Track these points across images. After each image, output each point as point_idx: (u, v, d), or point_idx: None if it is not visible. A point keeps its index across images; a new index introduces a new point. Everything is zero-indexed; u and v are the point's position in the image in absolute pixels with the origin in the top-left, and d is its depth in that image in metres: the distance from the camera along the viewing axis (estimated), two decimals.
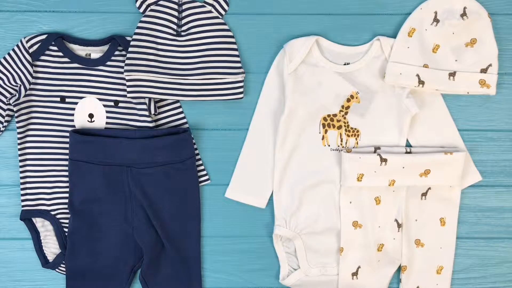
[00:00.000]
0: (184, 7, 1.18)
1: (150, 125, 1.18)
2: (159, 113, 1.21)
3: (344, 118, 1.20)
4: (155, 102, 1.19)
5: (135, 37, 1.16)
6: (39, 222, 1.20)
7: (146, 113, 1.18)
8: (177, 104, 1.21)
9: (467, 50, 1.18)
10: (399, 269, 1.22)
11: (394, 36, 1.20)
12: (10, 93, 1.17)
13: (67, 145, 1.17)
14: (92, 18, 1.20)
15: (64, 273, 1.19)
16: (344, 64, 1.21)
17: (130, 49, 1.16)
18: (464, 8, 1.17)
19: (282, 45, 1.20)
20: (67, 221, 1.19)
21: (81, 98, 1.19)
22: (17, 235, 1.21)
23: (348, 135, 1.20)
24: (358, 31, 1.21)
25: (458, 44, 1.18)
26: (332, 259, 1.21)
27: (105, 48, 1.19)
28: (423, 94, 1.21)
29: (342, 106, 1.20)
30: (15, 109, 1.17)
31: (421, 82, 1.18)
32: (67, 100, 1.18)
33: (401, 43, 1.19)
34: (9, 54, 1.17)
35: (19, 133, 1.18)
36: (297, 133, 1.20)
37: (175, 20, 1.18)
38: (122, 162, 1.15)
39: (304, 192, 1.20)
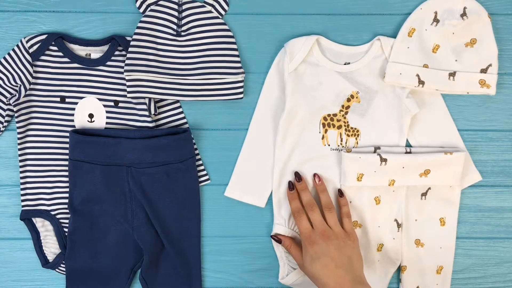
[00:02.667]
0: (184, 7, 1.18)
1: (150, 125, 1.18)
2: (159, 113, 1.21)
3: (344, 118, 1.20)
4: (155, 102, 1.19)
5: (135, 37, 1.16)
6: (39, 222, 1.20)
7: (146, 113, 1.18)
8: (177, 104, 1.21)
9: (467, 50, 1.18)
10: (399, 269, 1.22)
11: (394, 36, 1.20)
12: (10, 93, 1.17)
13: (67, 145, 1.17)
14: (92, 18, 1.20)
15: (64, 273, 1.19)
16: (345, 64, 1.21)
17: (130, 49, 1.16)
18: (464, 8, 1.17)
19: (282, 45, 1.20)
20: (67, 221, 1.19)
21: (81, 98, 1.19)
22: (17, 235, 1.21)
23: (348, 135, 1.20)
24: (358, 31, 1.21)
25: (458, 44, 1.18)
26: None
27: (105, 48, 1.19)
28: (423, 94, 1.21)
29: (342, 106, 1.20)
30: (15, 109, 1.17)
31: (421, 82, 1.18)
32: (67, 100, 1.18)
33: (401, 43, 1.19)
34: (9, 54, 1.17)
35: (19, 133, 1.18)
36: (297, 132, 1.20)
37: (175, 20, 1.18)
38: (122, 162, 1.15)
39: None
